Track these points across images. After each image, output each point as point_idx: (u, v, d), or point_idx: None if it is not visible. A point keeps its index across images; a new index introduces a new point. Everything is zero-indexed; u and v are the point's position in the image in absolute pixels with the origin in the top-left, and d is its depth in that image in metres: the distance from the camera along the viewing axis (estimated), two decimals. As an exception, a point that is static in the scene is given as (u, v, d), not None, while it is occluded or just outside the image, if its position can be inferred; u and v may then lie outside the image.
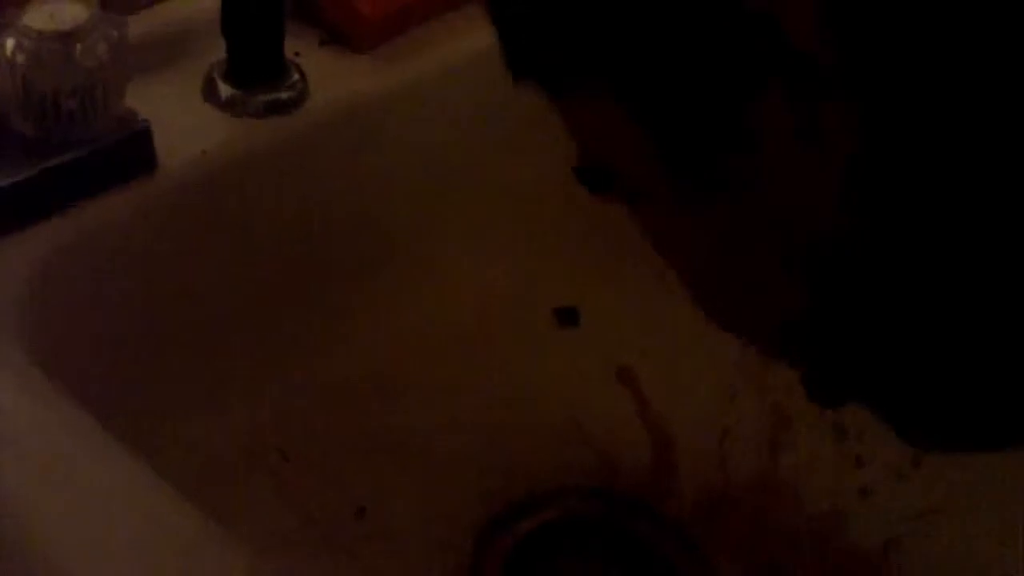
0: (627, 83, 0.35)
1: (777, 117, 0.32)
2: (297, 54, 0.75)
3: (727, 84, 0.33)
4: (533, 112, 0.83)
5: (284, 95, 0.72)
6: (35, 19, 0.61)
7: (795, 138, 0.32)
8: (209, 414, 0.71)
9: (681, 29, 0.33)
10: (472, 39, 0.80)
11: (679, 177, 0.36)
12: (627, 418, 0.79)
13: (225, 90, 0.71)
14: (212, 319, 0.71)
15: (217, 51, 0.72)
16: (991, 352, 0.34)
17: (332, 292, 0.77)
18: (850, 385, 0.39)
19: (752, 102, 0.33)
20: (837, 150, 0.32)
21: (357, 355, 0.77)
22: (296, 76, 0.73)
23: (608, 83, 0.36)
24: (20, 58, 0.61)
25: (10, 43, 0.61)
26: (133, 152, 0.66)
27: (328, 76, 0.74)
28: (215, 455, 0.70)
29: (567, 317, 0.84)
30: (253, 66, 0.71)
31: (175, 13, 0.75)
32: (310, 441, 0.73)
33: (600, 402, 0.80)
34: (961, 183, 0.32)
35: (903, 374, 0.36)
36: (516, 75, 0.41)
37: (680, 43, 0.33)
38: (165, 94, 0.70)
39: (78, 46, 0.62)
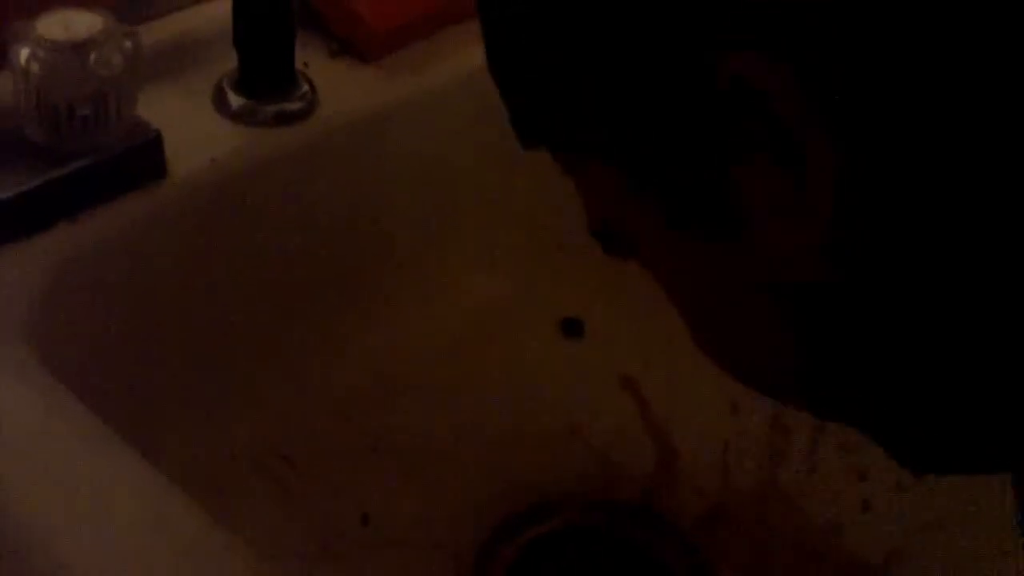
0: (620, 150, 0.38)
1: (762, 178, 0.34)
2: (306, 65, 0.76)
3: (713, 149, 0.34)
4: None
5: (293, 106, 0.73)
6: (49, 29, 0.62)
7: (779, 198, 0.34)
8: (215, 420, 0.71)
9: (665, 100, 0.35)
10: (478, 51, 0.80)
11: (675, 232, 0.38)
12: (630, 428, 0.80)
13: (235, 100, 0.72)
14: (219, 326, 0.72)
15: (228, 61, 0.73)
16: (975, 384, 0.36)
17: (338, 300, 0.77)
18: (845, 415, 0.40)
19: (738, 165, 0.34)
20: (819, 209, 0.33)
21: (363, 363, 0.78)
22: (305, 87, 0.74)
23: (604, 151, 0.38)
24: (34, 68, 0.62)
25: (24, 53, 0.62)
26: (144, 160, 0.67)
27: (337, 87, 0.75)
28: (221, 461, 0.71)
29: (572, 328, 0.84)
30: (263, 77, 0.72)
31: (186, 23, 0.76)
32: (315, 448, 0.74)
33: (603, 412, 0.80)
34: (939, 239, 0.33)
35: (893, 405, 0.38)
36: (523, 143, 0.44)
37: (665, 112, 0.35)
38: (176, 103, 0.71)
39: (91, 56, 0.62)
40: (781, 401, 0.43)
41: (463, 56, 0.80)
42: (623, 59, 0.35)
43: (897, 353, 0.36)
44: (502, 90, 0.43)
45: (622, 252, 0.44)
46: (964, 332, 0.34)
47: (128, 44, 0.64)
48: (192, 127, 0.70)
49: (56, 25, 0.63)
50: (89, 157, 0.64)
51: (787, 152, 0.33)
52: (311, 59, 0.76)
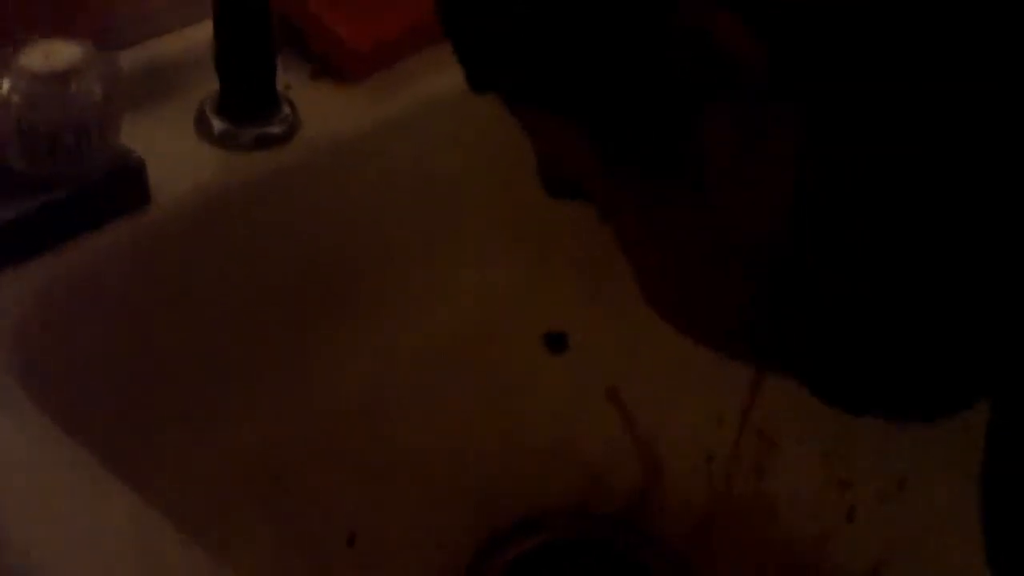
0: (573, 98, 0.37)
1: (723, 129, 0.34)
2: (288, 87, 0.76)
3: (671, 98, 0.34)
4: (521, 140, 0.85)
5: (275, 129, 0.73)
6: (30, 59, 0.62)
7: (741, 149, 0.34)
8: (202, 442, 0.72)
9: (619, 46, 0.35)
10: (458, 70, 0.81)
11: (630, 185, 0.38)
12: (616, 441, 0.80)
13: (217, 124, 0.72)
14: (204, 349, 0.72)
15: (208, 85, 0.73)
16: (912, 334, 0.38)
17: (322, 320, 0.78)
18: (785, 361, 0.42)
19: (698, 115, 0.34)
20: (782, 160, 0.34)
21: (347, 382, 0.78)
22: (287, 110, 0.74)
23: (557, 98, 0.38)
24: (16, 98, 0.62)
25: (5, 84, 0.62)
26: (127, 188, 0.67)
27: (319, 109, 0.75)
28: (209, 483, 0.71)
29: (556, 343, 0.85)
30: (245, 100, 0.72)
31: (166, 48, 0.76)
32: (302, 467, 0.74)
33: (589, 425, 0.81)
34: (901, 188, 0.34)
35: (833, 351, 0.39)
36: (475, 89, 0.43)
37: (620, 60, 0.35)
38: (158, 129, 0.71)
39: (73, 86, 0.63)
40: (725, 352, 0.44)
41: (444, 75, 0.80)
42: (580, 4, 0.35)
43: (841, 303, 0.37)
44: (451, 33, 0.42)
45: (569, 196, 0.43)
46: (914, 284, 0.36)
47: (109, 73, 0.64)
48: (175, 152, 0.70)
49: (37, 55, 0.63)
50: (72, 185, 0.65)
51: (747, 97, 0.33)
52: (292, 81, 0.77)
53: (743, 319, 0.40)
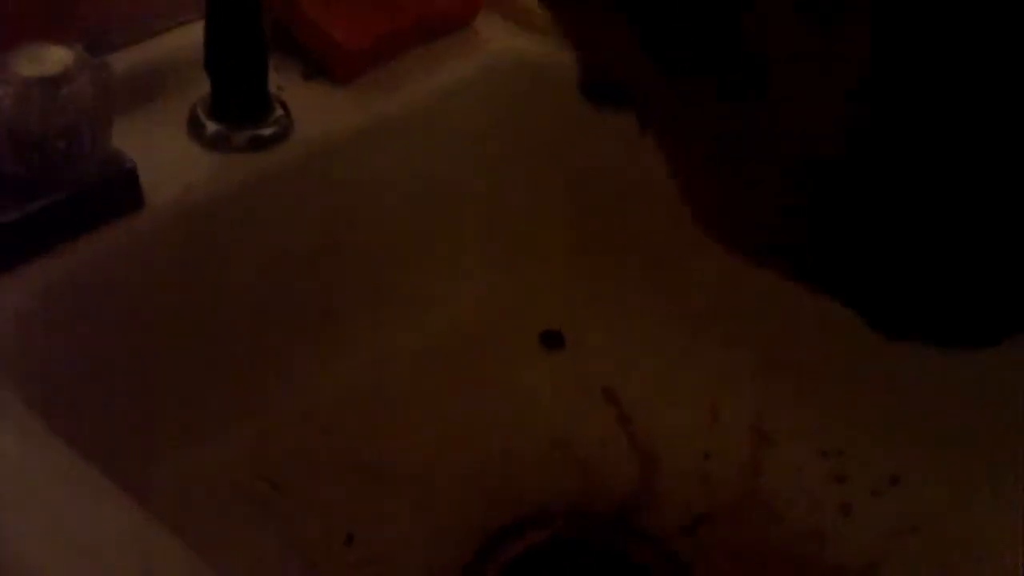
0: None
1: (782, 29, 0.32)
2: (280, 88, 0.76)
3: None
4: (514, 140, 0.85)
5: (268, 130, 0.73)
6: (20, 64, 0.62)
7: (801, 53, 0.32)
8: (197, 445, 0.72)
9: None
10: (451, 68, 0.81)
11: (682, 88, 0.36)
12: (612, 439, 0.80)
13: (210, 127, 0.72)
14: (199, 352, 0.72)
15: (200, 87, 0.73)
16: (976, 258, 0.36)
17: (318, 321, 0.78)
18: (831, 284, 0.40)
19: (752, 12, 0.32)
20: (846, 67, 0.32)
21: (343, 383, 0.78)
22: (280, 111, 0.74)
23: None
24: (6, 103, 0.62)
25: (-4, 89, 0.62)
26: (120, 191, 0.67)
27: (311, 110, 0.75)
28: (205, 486, 0.71)
29: (552, 341, 0.85)
30: (237, 102, 0.72)
31: (158, 50, 0.76)
32: (298, 470, 0.74)
33: (585, 424, 0.81)
34: (967, 101, 0.32)
35: (886, 273, 0.38)
36: None
37: None
38: (150, 131, 0.71)
39: (64, 90, 0.63)
40: (768, 267, 0.41)
41: (436, 73, 0.80)
42: None
43: (896, 218, 0.35)
44: None
45: (609, 103, 0.42)
46: (967, 209, 0.34)
47: (100, 76, 0.64)
48: (167, 155, 0.70)
49: (26, 60, 0.63)
50: (65, 190, 0.65)
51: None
52: (285, 82, 0.77)
53: (788, 234, 0.38)
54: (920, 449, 0.75)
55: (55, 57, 0.63)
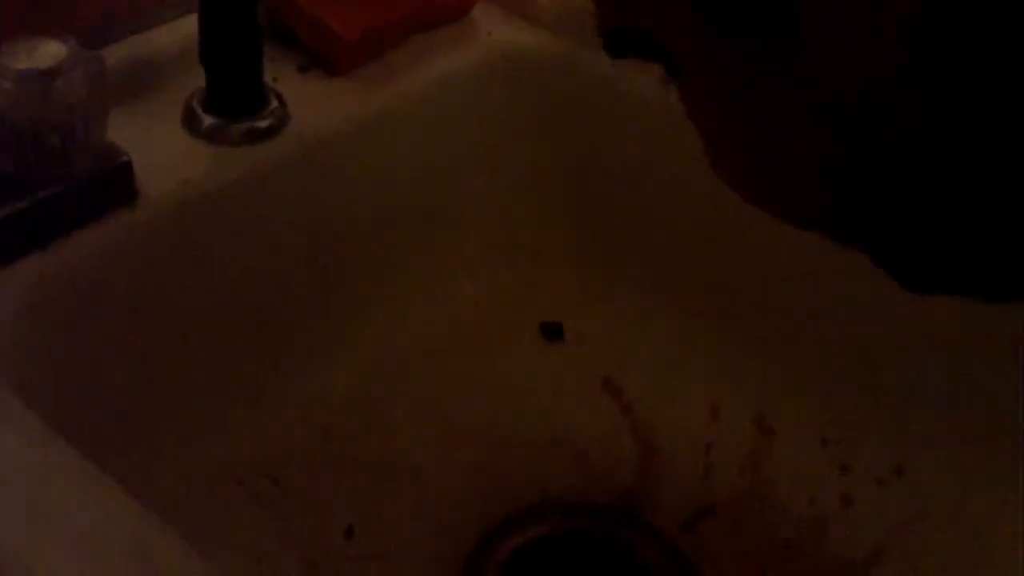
0: None
1: None
2: (275, 80, 0.75)
3: None
4: (512, 129, 0.85)
5: (264, 123, 0.72)
6: (12, 58, 0.62)
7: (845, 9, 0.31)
8: (196, 441, 0.71)
9: None
10: (449, 59, 0.80)
11: (721, 40, 0.36)
12: (613, 431, 0.80)
13: (205, 119, 0.72)
14: (196, 347, 0.71)
15: (196, 80, 0.72)
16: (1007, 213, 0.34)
17: (316, 315, 0.77)
18: (860, 238, 0.39)
19: None
20: (894, 14, 0.31)
21: (342, 376, 0.78)
22: (275, 103, 0.73)
23: None
24: (-1, 98, 0.62)
25: (-12, 83, 0.62)
26: (115, 185, 0.66)
27: (307, 101, 0.75)
28: (204, 482, 0.71)
29: (552, 332, 0.84)
30: (233, 94, 0.72)
31: (152, 43, 0.76)
32: (298, 464, 0.74)
33: (586, 415, 0.80)
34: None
35: (920, 227, 0.37)
36: None
37: None
38: (145, 125, 0.71)
39: (57, 83, 0.62)
40: (796, 224, 0.41)
41: (433, 64, 0.79)
42: None
43: (934, 173, 0.34)
44: None
45: (630, 54, 0.41)
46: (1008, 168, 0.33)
47: (93, 70, 0.64)
48: (162, 148, 0.70)
49: (20, 53, 0.62)
50: (59, 185, 0.64)
51: None
52: (280, 74, 0.76)
53: (822, 185, 0.37)
54: (924, 438, 0.74)
55: (48, 50, 0.63)
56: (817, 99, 0.34)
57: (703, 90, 0.39)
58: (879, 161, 0.35)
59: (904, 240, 0.37)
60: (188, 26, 0.73)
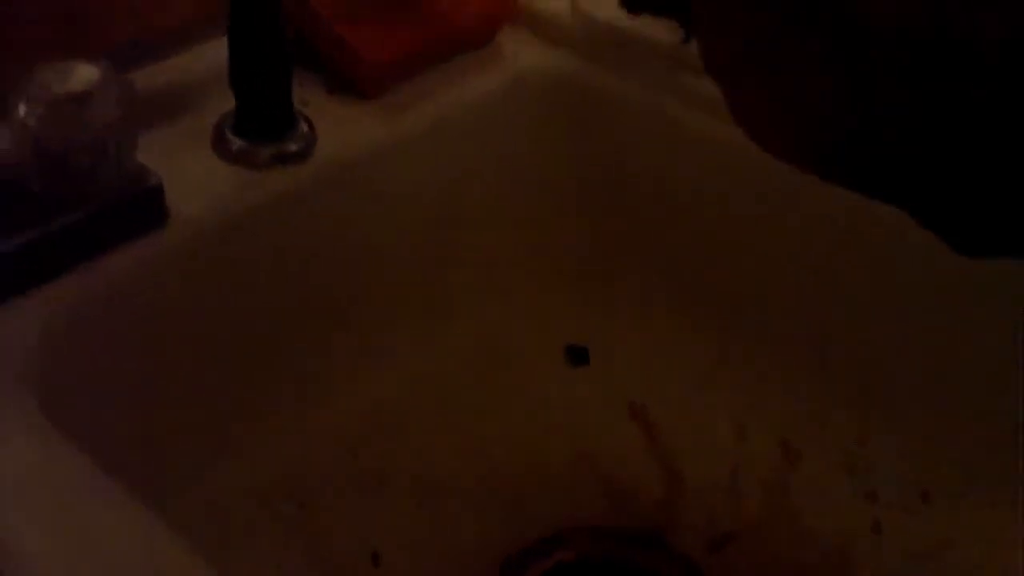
0: None
1: None
2: (304, 103, 0.76)
3: None
4: (539, 152, 0.85)
5: (293, 146, 0.72)
6: (46, 81, 0.62)
7: None
8: (221, 464, 0.71)
9: None
10: (476, 83, 0.81)
11: None
12: (638, 455, 0.80)
13: (235, 143, 0.72)
14: (222, 367, 0.72)
15: (225, 104, 0.73)
16: None
17: (342, 338, 0.77)
18: (891, 188, 0.37)
19: None
20: None
21: (368, 399, 0.78)
22: (304, 127, 0.74)
23: None
24: (32, 121, 0.62)
25: (22, 107, 0.62)
26: (145, 207, 0.67)
27: (336, 125, 0.75)
28: (228, 505, 0.71)
29: (577, 356, 0.84)
30: (262, 118, 0.72)
31: (181, 66, 0.76)
32: (323, 487, 0.74)
33: (611, 439, 0.80)
34: None
35: (976, 189, 0.35)
36: None
37: None
38: (175, 147, 0.71)
39: (89, 107, 0.63)
40: (819, 173, 0.39)
41: (460, 88, 0.80)
42: None
43: (989, 127, 0.33)
44: None
45: (650, 10, 0.40)
46: None
47: (125, 92, 0.64)
48: (192, 171, 0.70)
49: (54, 76, 0.63)
50: (90, 206, 0.64)
51: None
52: (309, 97, 0.76)
53: (861, 138, 0.36)
54: (951, 465, 0.74)
55: (81, 74, 0.63)
56: (863, 37, 0.33)
57: (725, 42, 0.38)
58: (928, 109, 0.33)
59: (958, 200, 0.35)
60: (218, 50, 0.73)
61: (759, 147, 0.39)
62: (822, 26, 0.35)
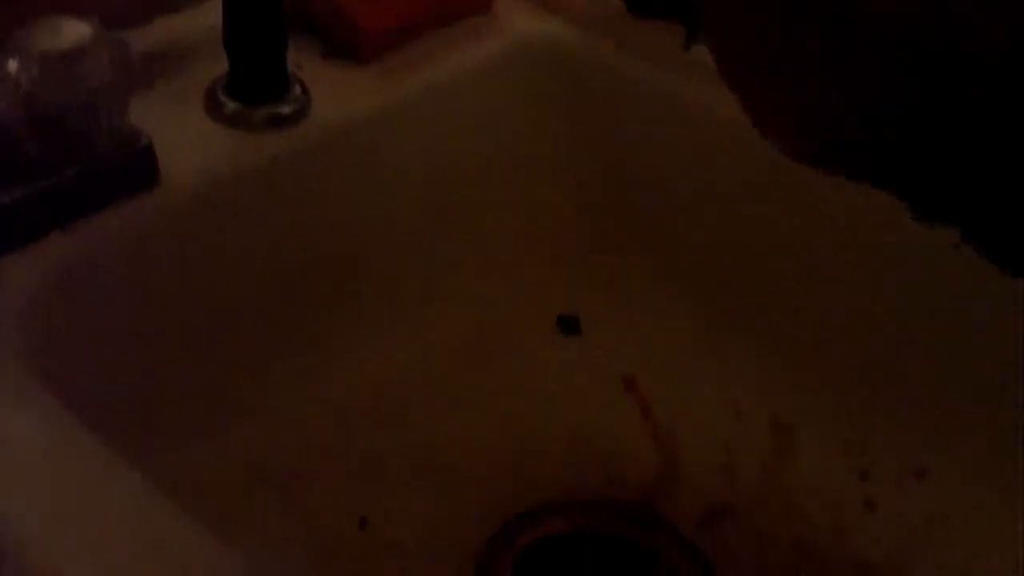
0: None
1: None
2: (299, 67, 0.75)
3: None
4: (534, 121, 0.84)
5: (286, 109, 0.72)
6: (37, 39, 0.62)
7: None
8: (213, 432, 0.71)
9: None
10: (472, 49, 0.80)
11: None
12: (631, 430, 0.79)
13: (228, 104, 0.71)
14: (216, 334, 0.71)
15: (218, 65, 0.72)
16: None
17: (334, 306, 0.77)
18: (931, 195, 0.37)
19: None
20: None
21: (361, 371, 0.77)
22: (298, 89, 0.73)
23: None
24: (23, 78, 0.61)
25: (13, 64, 0.61)
26: (136, 168, 0.66)
27: (330, 89, 0.74)
28: (220, 473, 0.70)
29: (569, 326, 0.84)
30: (256, 80, 0.72)
31: (175, 27, 0.75)
32: (315, 458, 0.73)
33: (604, 414, 0.80)
34: None
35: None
36: None
37: None
38: (167, 109, 0.71)
39: (81, 65, 0.62)
40: (828, 167, 0.39)
41: (457, 57, 0.79)
42: None
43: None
44: None
45: (652, 12, 0.40)
46: None
47: (118, 52, 0.64)
48: (184, 132, 0.70)
49: (45, 34, 0.62)
50: (81, 166, 0.64)
51: None
52: (303, 61, 0.76)
53: (862, 132, 0.36)
54: (947, 441, 0.74)
55: (73, 31, 0.62)
56: (892, 35, 0.33)
57: (740, 46, 0.38)
58: (928, 108, 0.33)
59: (1004, 217, 0.35)
60: (213, 12, 0.72)
61: (774, 147, 0.39)
62: (822, 25, 0.35)
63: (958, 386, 0.73)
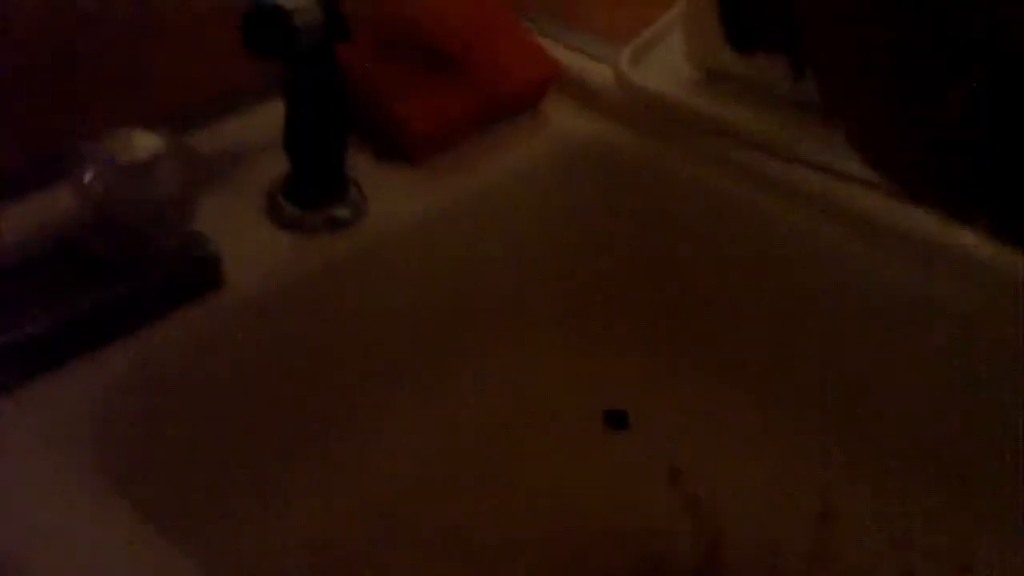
0: None
1: None
2: (353, 168, 0.77)
3: None
4: (584, 219, 0.85)
5: (345, 212, 0.73)
6: (112, 150, 0.63)
7: None
8: (266, 524, 0.72)
9: None
10: (520, 150, 0.82)
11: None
12: (677, 521, 0.80)
13: (287, 207, 0.73)
14: (271, 428, 0.72)
15: (276, 166, 0.73)
16: None
17: (386, 398, 0.78)
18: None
19: None
20: None
21: (407, 461, 0.78)
22: (355, 192, 0.74)
23: None
24: (97, 188, 0.63)
25: (88, 173, 0.63)
26: (202, 273, 0.67)
27: (384, 191, 0.76)
28: (273, 564, 0.71)
29: (617, 420, 0.85)
30: (315, 183, 0.73)
31: (230, 130, 0.77)
32: (360, 543, 0.74)
33: (650, 504, 0.80)
34: None
35: None
36: None
37: None
38: (228, 211, 0.72)
39: (153, 176, 0.63)
40: (910, 190, 0.38)
41: (504, 155, 0.81)
42: None
43: None
44: None
45: (752, 47, 0.40)
46: None
47: (188, 161, 0.65)
48: (245, 235, 0.71)
49: (118, 145, 0.64)
50: (149, 271, 0.65)
51: None
52: (358, 163, 0.77)
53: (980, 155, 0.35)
54: (991, 535, 0.74)
55: (145, 143, 0.64)
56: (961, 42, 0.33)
57: (843, 76, 0.37)
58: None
59: None
60: (264, 115, 0.74)
61: (880, 176, 0.39)
62: (946, 50, 0.34)
63: (1008, 476, 0.73)
